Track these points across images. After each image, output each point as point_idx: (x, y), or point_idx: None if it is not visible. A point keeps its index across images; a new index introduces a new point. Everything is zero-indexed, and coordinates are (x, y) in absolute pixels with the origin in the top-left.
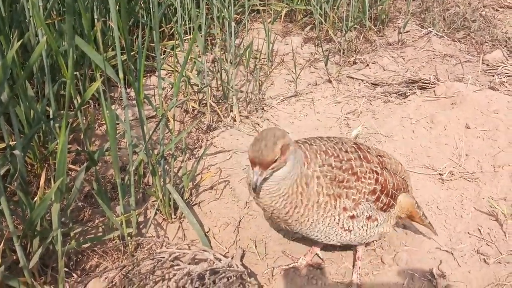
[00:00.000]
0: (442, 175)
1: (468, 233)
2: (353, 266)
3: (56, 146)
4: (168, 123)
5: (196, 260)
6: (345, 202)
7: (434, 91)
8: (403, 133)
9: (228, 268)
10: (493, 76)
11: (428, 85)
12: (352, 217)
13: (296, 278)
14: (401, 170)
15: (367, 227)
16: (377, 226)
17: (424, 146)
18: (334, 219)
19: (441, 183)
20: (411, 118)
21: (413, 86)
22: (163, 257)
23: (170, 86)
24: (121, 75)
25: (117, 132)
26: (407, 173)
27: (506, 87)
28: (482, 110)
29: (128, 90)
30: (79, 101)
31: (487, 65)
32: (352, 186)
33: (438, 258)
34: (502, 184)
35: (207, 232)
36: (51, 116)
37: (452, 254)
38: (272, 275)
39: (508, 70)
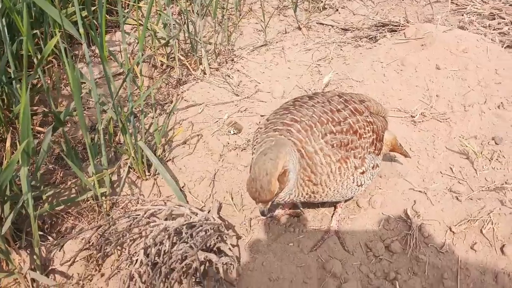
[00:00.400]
0: (414, 117)
1: (440, 172)
2: (333, 213)
3: None
4: (136, 79)
5: (173, 216)
6: (354, 161)
7: (404, 33)
8: (374, 77)
9: (205, 222)
10: (462, 15)
11: (398, 27)
12: (363, 172)
13: (273, 227)
14: (381, 109)
15: (373, 175)
16: (378, 170)
17: (396, 89)
18: (350, 180)
19: (413, 125)
20: (381, 61)
21: (383, 29)
22: (139, 215)
23: (136, 41)
24: (81, 30)
25: (84, 90)
26: (386, 110)
27: (475, 26)
28: (452, 50)
29: (94, 47)
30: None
31: (456, 4)
32: (357, 145)
33: (412, 199)
34: (472, 123)
35: (182, 187)
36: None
37: (426, 194)
38: (250, 226)
39: (476, 8)
